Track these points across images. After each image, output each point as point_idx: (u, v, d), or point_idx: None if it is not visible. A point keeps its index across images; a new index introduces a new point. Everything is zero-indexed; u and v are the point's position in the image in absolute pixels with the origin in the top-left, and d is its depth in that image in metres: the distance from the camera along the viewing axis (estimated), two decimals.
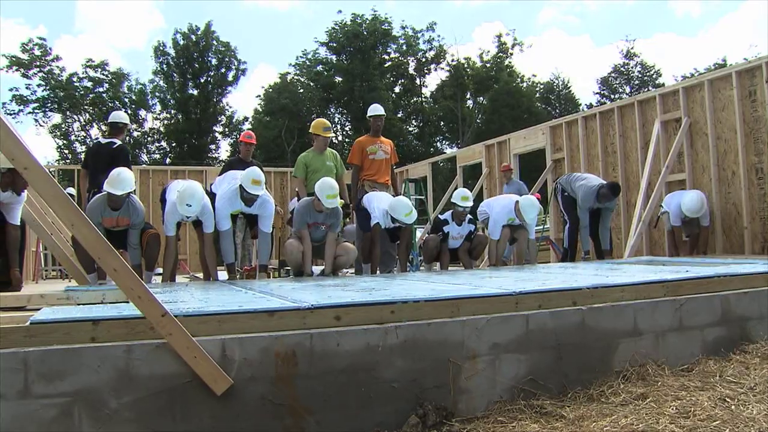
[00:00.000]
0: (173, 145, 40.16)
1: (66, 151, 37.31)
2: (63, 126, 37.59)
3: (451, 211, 8.22)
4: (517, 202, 8.20)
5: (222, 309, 3.12)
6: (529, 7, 58.80)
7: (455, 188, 11.29)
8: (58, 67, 36.41)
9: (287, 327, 3.23)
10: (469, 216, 8.16)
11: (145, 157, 39.04)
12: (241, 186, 6.60)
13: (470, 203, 8.03)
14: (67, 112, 37.35)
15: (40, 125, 37.31)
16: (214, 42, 39.97)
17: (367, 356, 3.31)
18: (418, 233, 11.60)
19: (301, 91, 39.92)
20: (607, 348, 3.91)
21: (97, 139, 8.64)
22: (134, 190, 6.47)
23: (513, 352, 3.64)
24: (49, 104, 36.86)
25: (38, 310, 3.45)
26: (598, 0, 57.83)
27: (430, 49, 41.42)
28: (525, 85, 41.96)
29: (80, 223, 3.00)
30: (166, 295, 3.67)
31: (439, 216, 8.74)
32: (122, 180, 6.11)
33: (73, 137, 37.75)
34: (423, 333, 3.46)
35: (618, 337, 3.97)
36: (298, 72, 40.62)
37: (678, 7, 58.37)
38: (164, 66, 39.45)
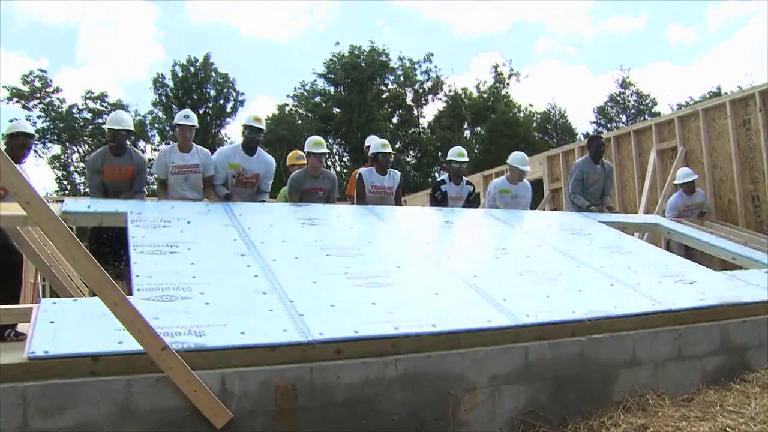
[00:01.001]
0: None
1: (65, 182, 37.34)
2: (62, 157, 37.67)
3: (447, 172, 7.99)
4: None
5: (223, 344, 3.11)
6: (527, 37, 59.65)
7: None
8: (58, 98, 36.60)
9: (288, 360, 3.22)
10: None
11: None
12: (243, 126, 6.70)
13: (466, 159, 7.73)
14: (67, 144, 37.44)
15: (40, 156, 37.32)
16: (213, 73, 40.25)
17: (366, 389, 3.30)
18: None
19: (299, 122, 40.11)
20: (606, 378, 3.92)
21: None
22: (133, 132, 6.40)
23: (512, 384, 3.64)
24: (48, 135, 36.95)
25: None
26: (595, 29, 58.77)
27: (428, 80, 41.76)
28: (522, 115, 42.24)
29: (82, 257, 3.01)
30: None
31: (436, 177, 8.69)
32: (122, 118, 6.12)
33: (72, 168, 37.82)
34: (422, 365, 3.46)
35: (617, 368, 3.97)
36: (296, 103, 40.88)
37: (672, 36, 59.37)
38: (163, 97, 39.69)
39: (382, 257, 4.85)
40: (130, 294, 3.54)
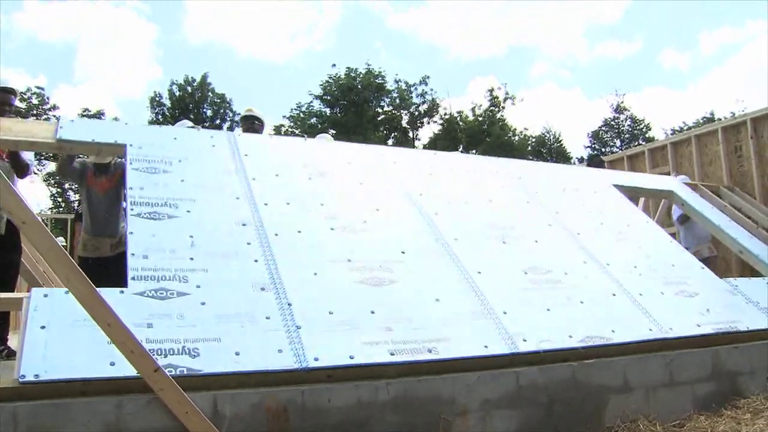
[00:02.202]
0: None
1: (59, 200, 37.28)
2: (58, 175, 37.68)
3: None
4: None
5: (216, 371, 3.10)
6: (523, 60, 60.34)
7: None
8: (55, 116, 36.76)
9: (280, 383, 3.22)
10: None
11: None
12: (240, 120, 6.94)
13: None
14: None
15: (35, 173, 37.30)
16: (210, 93, 40.49)
17: (358, 412, 3.30)
18: None
19: None
20: (598, 403, 3.92)
21: None
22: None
23: (504, 408, 3.64)
24: (44, 153, 37.00)
25: None
26: (590, 53, 59.54)
27: (423, 103, 42.04)
28: (517, 138, 42.52)
29: (75, 278, 3.03)
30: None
31: None
32: None
33: (66, 186, 37.80)
34: (414, 389, 3.47)
35: (609, 393, 3.98)
36: (292, 124, 41.03)
37: (666, 61, 60.21)
38: (159, 116, 39.81)
39: (388, 235, 4.58)
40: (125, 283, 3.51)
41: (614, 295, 4.68)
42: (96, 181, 5.85)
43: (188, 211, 4.19)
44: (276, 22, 57.93)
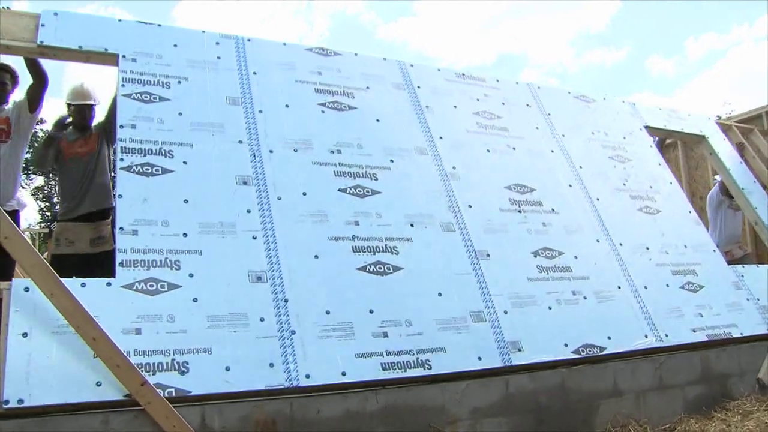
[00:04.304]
0: None
1: (48, 214, 35.60)
2: (45, 188, 35.88)
3: None
4: None
5: (205, 392, 3.02)
6: (512, 68, 56.02)
7: None
8: (42, 129, 34.59)
9: (270, 395, 3.17)
10: None
11: None
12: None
13: None
14: (50, 175, 35.51)
15: (23, 187, 35.14)
16: None
17: (347, 423, 3.29)
18: None
19: None
20: (588, 409, 3.94)
21: None
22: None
23: (494, 416, 3.64)
24: (32, 166, 34.59)
25: None
26: (578, 61, 55.70)
27: None
28: None
29: (60, 293, 2.86)
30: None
31: None
32: (87, 91, 4.94)
33: (55, 200, 35.94)
34: (403, 398, 3.44)
35: (599, 398, 3.98)
36: None
37: (654, 68, 56.79)
38: None
39: (398, 199, 4.27)
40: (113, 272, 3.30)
41: (619, 288, 4.55)
42: (70, 148, 4.85)
43: (185, 163, 3.85)
44: (265, 35, 51.81)
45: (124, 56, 4.18)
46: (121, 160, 3.71)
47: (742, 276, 5.20)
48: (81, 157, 4.82)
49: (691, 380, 4.35)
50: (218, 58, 4.50)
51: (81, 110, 4.92)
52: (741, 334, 4.71)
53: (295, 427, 3.18)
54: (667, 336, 4.36)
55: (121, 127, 3.87)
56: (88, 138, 4.90)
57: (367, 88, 4.89)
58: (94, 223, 4.76)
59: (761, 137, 6.98)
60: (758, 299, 5.05)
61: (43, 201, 37.28)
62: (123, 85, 4.05)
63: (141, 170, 3.70)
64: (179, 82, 4.22)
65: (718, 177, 7.03)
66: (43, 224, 33.87)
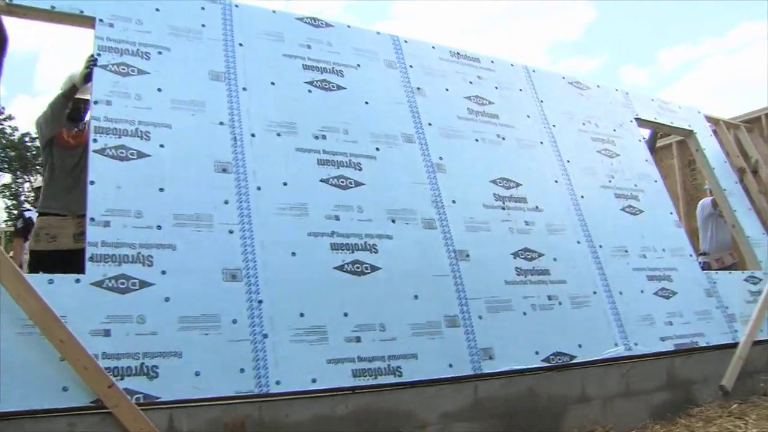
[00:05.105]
0: None
1: (15, 212, 33.85)
2: (13, 186, 34.13)
3: None
4: None
5: (173, 398, 2.99)
6: None
7: None
8: (10, 126, 33.26)
9: (238, 399, 3.15)
10: None
11: None
12: None
13: None
14: (18, 173, 33.85)
15: None
16: None
17: (317, 426, 3.29)
18: None
19: None
20: (556, 414, 3.99)
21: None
22: None
23: (463, 421, 3.67)
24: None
25: None
26: (554, 69, 54.42)
27: None
28: None
29: (27, 294, 2.78)
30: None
31: None
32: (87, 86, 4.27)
33: (23, 198, 34.23)
34: (373, 402, 3.45)
35: (567, 403, 4.04)
36: None
37: (627, 77, 56.12)
38: None
39: (382, 191, 4.16)
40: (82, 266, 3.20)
41: (595, 293, 4.56)
42: (68, 134, 4.44)
43: (162, 146, 3.68)
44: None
45: (101, 20, 3.92)
46: (95, 141, 3.51)
47: (715, 283, 5.25)
48: (70, 150, 4.42)
49: (657, 387, 4.42)
50: (203, 26, 4.27)
51: (77, 105, 4.50)
52: (707, 343, 4.80)
53: (264, 430, 3.18)
54: (636, 345, 4.41)
55: (96, 103, 3.66)
56: (81, 130, 4.50)
57: (358, 65, 4.71)
58: (79, 218, 4.20)
59: (746, 134, 6.93)
60: (727, 307, 5.13)
61: (10, 199, 36.01)
62: (99, 54, 3.83)
63: (115, 154, 3.53)
64: (160, 53, 4.01)
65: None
66: (9, 222, 32.73)
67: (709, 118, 6.73)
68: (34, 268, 4.06)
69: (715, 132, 6.70)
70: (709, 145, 6.40)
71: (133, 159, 3.57)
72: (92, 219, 3.30)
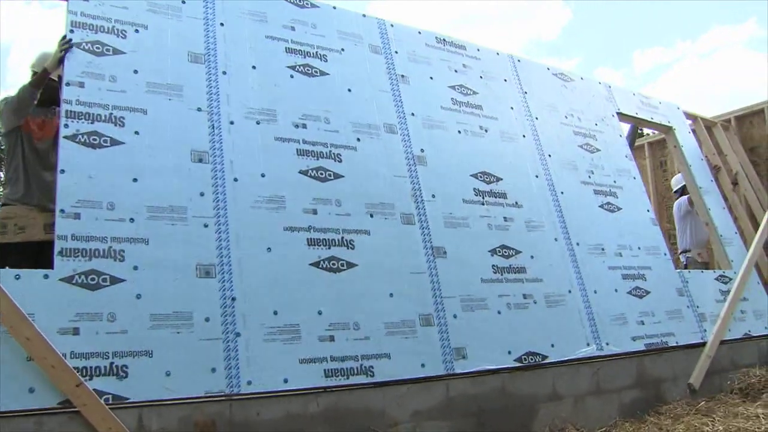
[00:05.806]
0: None
1: None
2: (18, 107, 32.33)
3: None
4: None
5: (143, 399, 2.95)
6: None
7: None
8: None
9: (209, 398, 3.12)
10: None
11: None
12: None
13: None
14: None
15: None
16: None
17: (288, 425, 3.28)
18: None
19: None
20: (528, 413, 4.03)
21: None
22: None
23: (434, 420, 3.69)
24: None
25: None
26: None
27: None
28: None
29: None
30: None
31: None
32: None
33: None
34: (345, 401, 3.45)
35: (538, 402, 4.08)
36: None
37: (602, 78, 55.67)
38: None
39: (361, 185, 4.10)
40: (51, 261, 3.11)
41: (570, 291, 4.59)
42: (33, 122, 4.17)
43: (136, 133, 3.56)
44: None
45: None
46: (66, 126, 3.37)
47: (687, 282, 5.31)
48: (36, 139, 4.16)
49: (627, 385, 4.49)
50: (183, 2, 4.11)
51: (52, 85, 4.06)
52: (677, 343, 4.88)
53: (234, 428, 3.16)
54: (607, 344, 4.46)
55: (68, 84, 3.51)
56: (50, 119, 4.21)
57: (342, 50, 4.60)
58: (49, 211, 3.86)
59: (723, 132, 6.98)
60: (698, 306, 5.20)
61: None
62: (72, 31, 3.66)
63: (87, 140, 3.41)
64: (137, 31, 3.86)
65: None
66: None
67: (687, 114, 6.74)
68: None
69: (693, 130, 6.71)
70: (687, 141, 6.41)
71: (107, 146, 3.46)
72: (62, 210, 3.19)
